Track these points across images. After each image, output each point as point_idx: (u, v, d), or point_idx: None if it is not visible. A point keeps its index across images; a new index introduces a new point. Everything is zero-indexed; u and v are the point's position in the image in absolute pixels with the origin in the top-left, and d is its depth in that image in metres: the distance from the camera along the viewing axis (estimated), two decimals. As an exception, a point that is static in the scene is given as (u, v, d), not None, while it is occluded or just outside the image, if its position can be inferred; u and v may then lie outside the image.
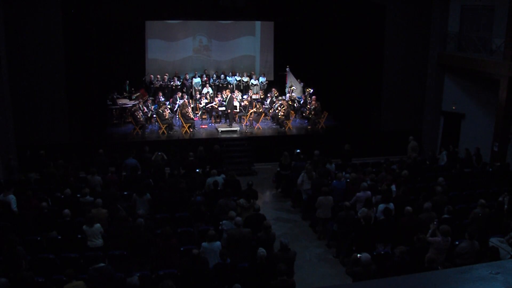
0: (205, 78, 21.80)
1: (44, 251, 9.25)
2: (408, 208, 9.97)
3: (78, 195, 11.13)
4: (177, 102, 19.31)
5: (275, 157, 15.94)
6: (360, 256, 8.21)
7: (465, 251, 8.77)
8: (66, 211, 9.89)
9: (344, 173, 13.00)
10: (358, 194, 11.28)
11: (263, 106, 19.99)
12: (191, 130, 18.30)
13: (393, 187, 11.97)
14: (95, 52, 18.17)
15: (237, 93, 20.53)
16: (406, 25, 18.47)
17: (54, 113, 16.45)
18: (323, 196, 11.31)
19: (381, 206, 10.37)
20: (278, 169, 14.92)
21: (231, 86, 21.95)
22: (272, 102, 20.20)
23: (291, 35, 22.33)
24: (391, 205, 10.39)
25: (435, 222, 9.11)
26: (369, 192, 11.22)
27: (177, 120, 18.86)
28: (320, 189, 11.56)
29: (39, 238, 9.56)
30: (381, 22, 18.54)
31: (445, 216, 10.12)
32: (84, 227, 9.43)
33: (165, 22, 21.97)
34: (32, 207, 10.40)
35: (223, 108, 19.25)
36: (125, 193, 11.96)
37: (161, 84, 21.04)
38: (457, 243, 9.12)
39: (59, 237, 9.63)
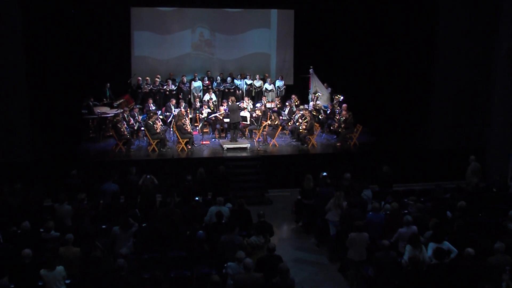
0: (207, 82, 21.91)
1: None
2: (469, 249, 9.75)
3: (41, 230, 11.01)
4: (172, 111, 19.32)
5: (295, 181, 15.88)
6: None
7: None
8: (27, 251, 9.72)
9: (383, 202, 12.88)
10: (400, 230, 11.16)
11: (280, 117, 19.95)
12: (189, 147, 18.29)
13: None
14: (66, 48, 18.22)
15: (247, 101, 20.53)
16: (467, 11, 18.24)
17: (12, 124, 16.40)
18: (356, 233, 11.16)
19: (432, 246, 10.19)
20: (299, 197, 14.84)
21: (240, 92, 21.97)
22: (291, 113, 20.17)
23: (316, 28, 22.36)
24: (446, 245, 10.21)
25: (507, 270, 8.88)
26: (414, 227, 11.06)
27: (172, 134, 18.85)
28: (352, 223, 11.42)
29: None
30: (433, 7, 18.41)
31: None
32: (42, 271, 9.23)
33: (156, 9, 22.19)
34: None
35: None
36: (103, 226, 11.87)
37: (151, 88, 21.14)
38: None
39: (12, 286, 9.42)
